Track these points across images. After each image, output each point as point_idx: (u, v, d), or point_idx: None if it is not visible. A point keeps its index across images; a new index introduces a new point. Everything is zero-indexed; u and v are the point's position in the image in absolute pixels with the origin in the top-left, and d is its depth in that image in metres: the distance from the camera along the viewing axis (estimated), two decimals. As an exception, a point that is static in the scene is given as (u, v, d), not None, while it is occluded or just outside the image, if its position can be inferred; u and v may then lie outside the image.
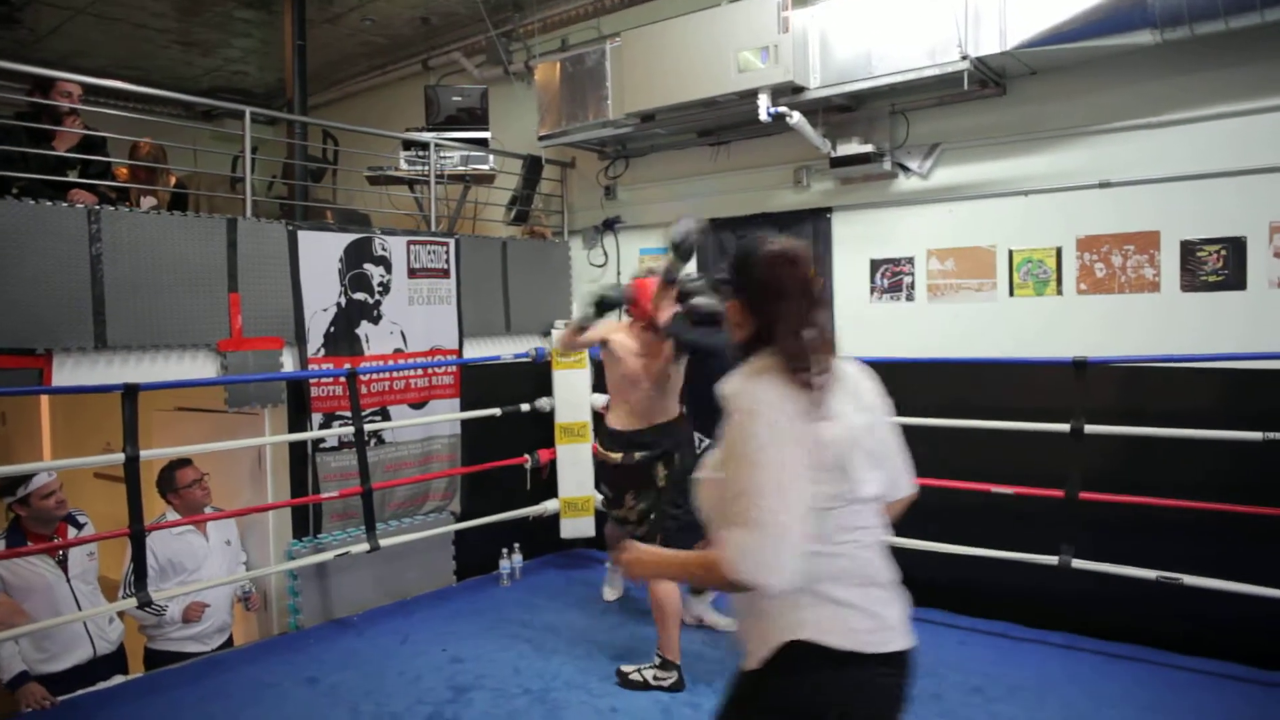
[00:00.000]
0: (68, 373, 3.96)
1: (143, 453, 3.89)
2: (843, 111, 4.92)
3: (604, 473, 4.16)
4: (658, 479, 3.98)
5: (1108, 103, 4.28)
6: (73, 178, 4.60)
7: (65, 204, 4.04)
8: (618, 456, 4.01)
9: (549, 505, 5.65)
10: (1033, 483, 4.18)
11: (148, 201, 4.89)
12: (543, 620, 4.68)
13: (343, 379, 4.74)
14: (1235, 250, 4.00)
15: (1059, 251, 4.46)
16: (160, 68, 7.86)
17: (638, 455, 3.97)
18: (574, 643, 4.32)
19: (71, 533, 4.09)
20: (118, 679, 4.13)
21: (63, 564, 4.02)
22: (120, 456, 3.82)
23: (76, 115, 4.54)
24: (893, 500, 1.91)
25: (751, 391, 1.65)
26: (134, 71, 7.82)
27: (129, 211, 4.30)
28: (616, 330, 4.10)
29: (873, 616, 1.71)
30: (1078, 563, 4.03)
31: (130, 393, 3.81)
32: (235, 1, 6.56)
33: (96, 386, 3.91)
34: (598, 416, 4.62)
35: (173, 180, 5.37)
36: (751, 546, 1.54)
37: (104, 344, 4.03)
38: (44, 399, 6.70)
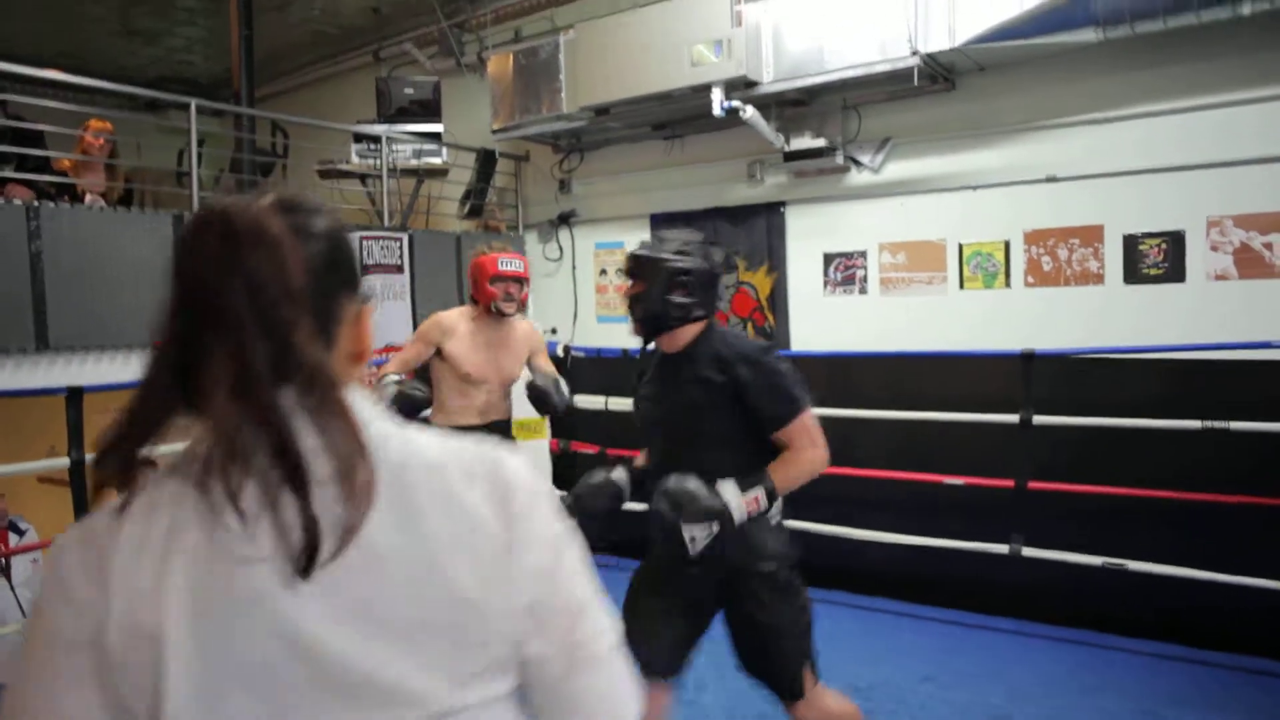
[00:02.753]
0: (8, 375, 3.86)
1: (89, 457, 3.80)
2: (796, 105, 4.95)
3: None
4: None
5: (1054, 99, 4.36)
6: (9, 172, 4.48)
7: (1, 200, 3.93)
8: None
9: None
10: (984, 473, 4.27)
11: (91, 198, 4.77)
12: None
13: (295, 377, 4.67)
14: (1175, 244, 4.10)
15: (1007, 245, 4.54)
16: (102, 57, 7.66)
17: None
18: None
19: (14, 540, 4.00)
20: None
21: (5, 572, 3.93)
22: (65, 461, 3.74)
23: (3, 107, 4.40)
24: None
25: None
26: (74, 60, 7.59)
27: (69, 208, 4.20)
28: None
29: None
30: (1027, 550, 4.12)
31: (74, 395, 3.73)
32: (179, -11, 6.42)
33: (38, 390, 3.82)
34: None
35: (121, 178, 5.24)
36: None
37: (45, 345, 3.93)
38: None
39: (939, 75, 4.51)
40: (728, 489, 2.27)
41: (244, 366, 0.77)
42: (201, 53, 7.77)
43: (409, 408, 3.50)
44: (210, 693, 0.75)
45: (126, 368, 4.22)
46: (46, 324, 3.92)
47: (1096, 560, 3.96)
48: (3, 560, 3.92)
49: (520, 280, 3.63)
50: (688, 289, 2.39)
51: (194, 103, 4.61)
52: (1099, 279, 4.31)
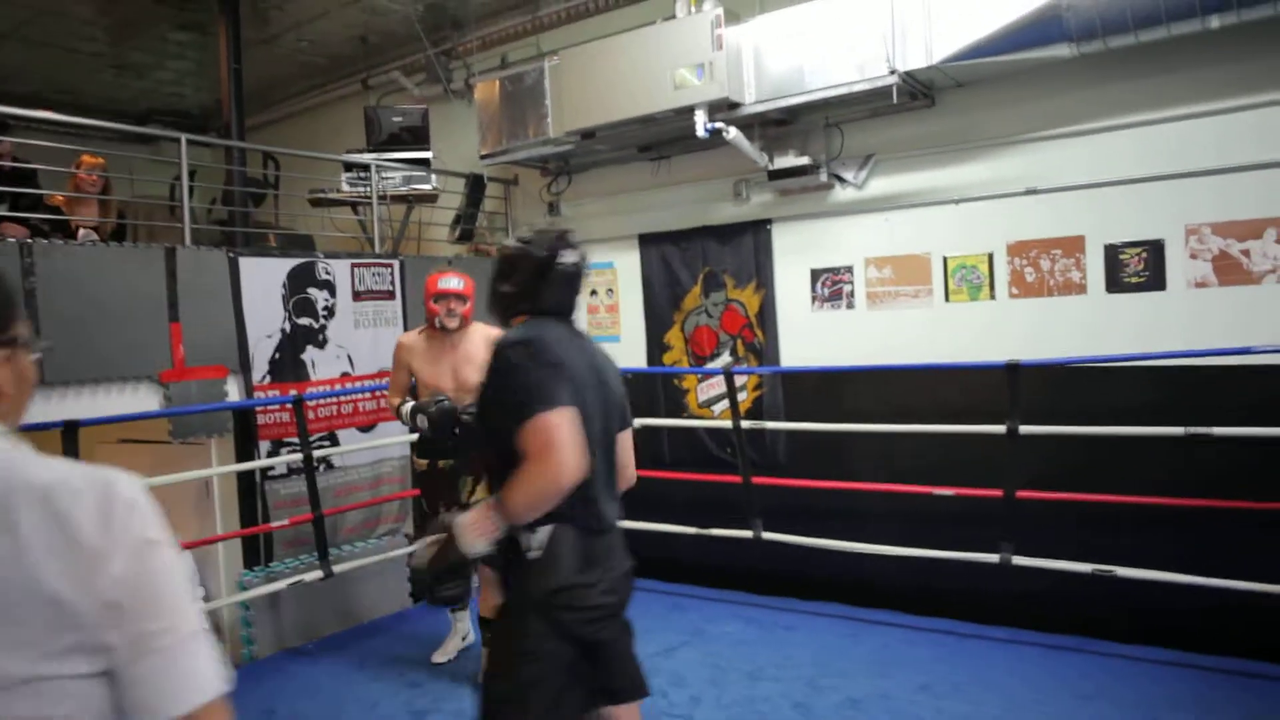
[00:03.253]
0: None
1: (85, 489, 3.83)
2: (779, 125, 5.03)
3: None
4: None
5: (1032, 112, 4.43)
6: (3, 211, 4.54)
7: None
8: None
9: (503, 522, 5.65)
10: (973, 483, 4.31)
11: (84, 233, 4.82)
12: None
13: (289, 405, 4.72)
14: (1155, 252, 4.16)
15: (990, 257, 4.60)
16: (94, 91, 7.74)
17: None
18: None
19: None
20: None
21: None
22: (62, 494, 3.76)
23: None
24: None
25: None
26: (66, 95, 7.69)
27: (63, 244, 4.25)
28: None
29: None
30: (1017, 559, 4.15)
31: (70, 429, 3.76)
32: (168, 24, 6.50)
33: (34, 425, 3.85)
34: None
35: (114, 213, 5.30)
36: None
37: (41, 380, 3.97)
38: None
39: (918, 92, 4.58)
40: (459, 519, 2.08)
41: None
42: (192, 85, 7.84)
43: (449, 420, 3.78)
44: None
45: (122, 399, 4.26)
46: (42, 359, 3.95)
47: (1086, 567, 3.99)
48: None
49: (460, 296, 3.99)
50: (510, 279, 2.29)
51: (184, 138, 4.66)
52: (1081, 289, 4.37)
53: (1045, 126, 4.41)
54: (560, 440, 1.99)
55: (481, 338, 4.00)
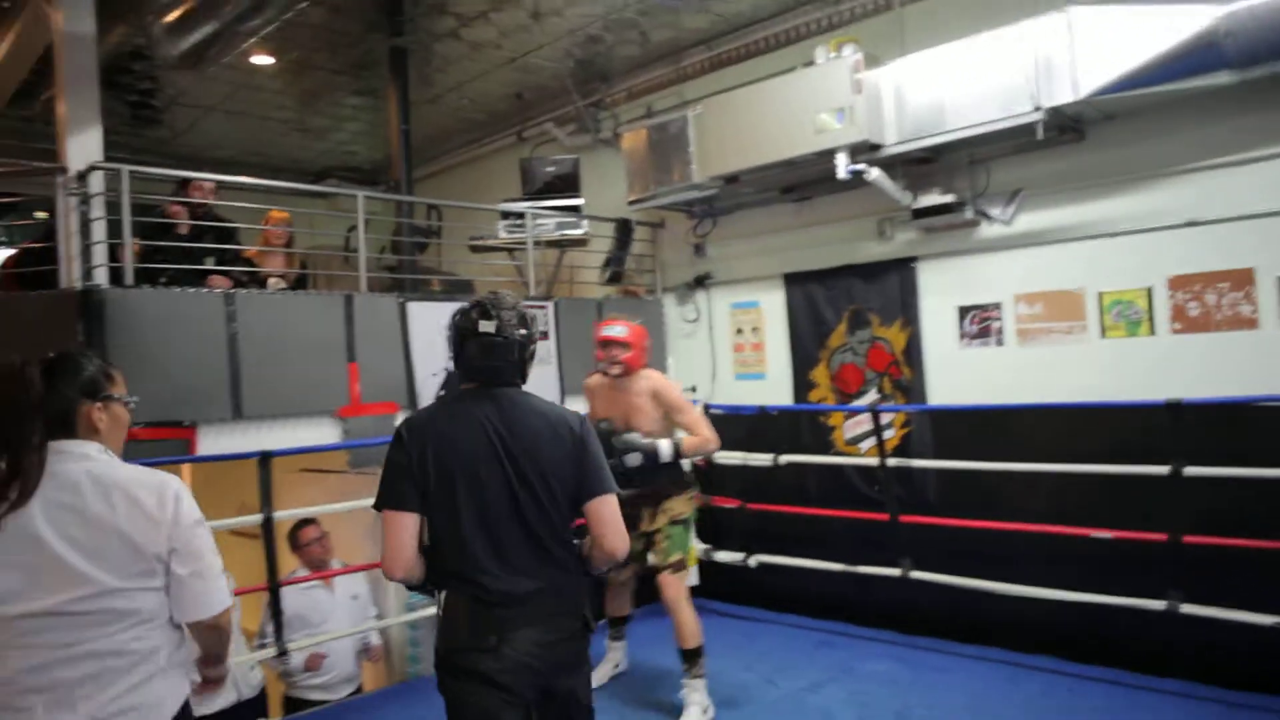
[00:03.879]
0: (210, 441, 4.36)
1: (276, 513, 4.23)
2: (922, 163, 5.03)
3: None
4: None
5: (1191, 141, 4.28)
6: (209, 264, 5.09)
7: (205, 290, 4.48)
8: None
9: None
10: (1133, 527, 4.14)
11: (274, 282, 5.34)
12: (649, 664, 4.81)
13: (452, 440, 5.03)
14: (1334, 284, 3.93)
15: (1149, 292, 4.44)
16: (280, 153, 8.54)
17: None
18: (669, 682, 4.44)
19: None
20: (258, 723, 4.47)
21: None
22: (258, 517, 4.17)
23: (201, 205, 5.01)
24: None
25: None
26: (257, 158, 8.52)
27: (259, 293, 4.73)
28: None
29: None
30: (1186, 608, 3.96)
31: (265, 459, 4.17)
32: (345, 90, 7.12)
33: (237, 454, 4.29)
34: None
35: (297, 263, 5.85)
36: None
37: (240, 415, 4.42)
38: (186, 466, 7.25)
39: (1066, 127, 4.51)
40: None
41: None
42: (364, 144, 8.52)
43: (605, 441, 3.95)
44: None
45: (307, 433, 4.68)
46: (241, 397, 4.41)
47: (1267, 619, 3.76)
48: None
49: (622, 344, 4.11)
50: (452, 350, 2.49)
51: (361, 194, 5.12)
52: (1251, 323, 4.16)
53: (1205, 156, 4.25)
54: (386, 541, 2.26)
55: (647, 384, 4.14)
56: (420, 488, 2.26)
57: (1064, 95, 4.15)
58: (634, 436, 4.01)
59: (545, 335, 5.74)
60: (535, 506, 2.28)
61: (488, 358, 2.36)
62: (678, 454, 4.01)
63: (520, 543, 2.27)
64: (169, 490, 1.92)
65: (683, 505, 4.19)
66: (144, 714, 1.86)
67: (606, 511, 2.32)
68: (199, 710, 2.18)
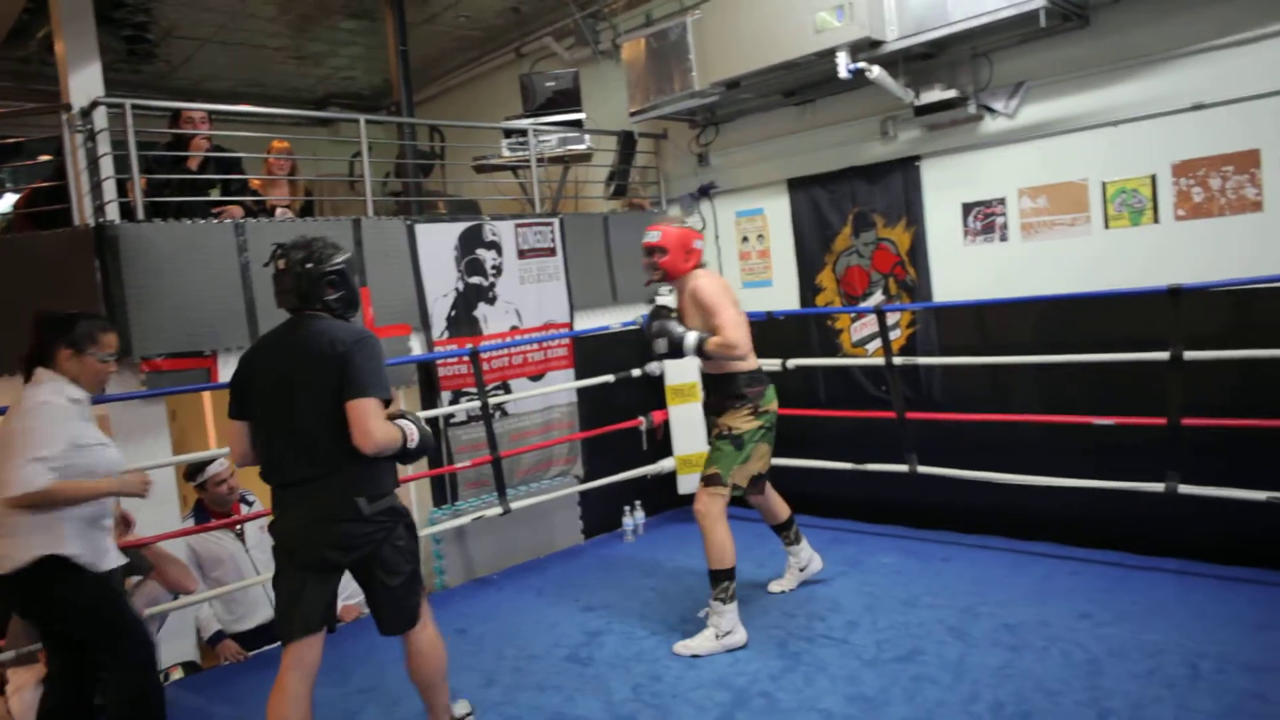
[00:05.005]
0: (230, 369, 4.46)
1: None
2: (924, 59, 4.97)
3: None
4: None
5: (1196, 22, 4.20)
6: (215, 195, 5.14)
7: (215, 220, 4.55)
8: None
9: (666, 464, 5.95)
10: (1135, 413, 4.21)
11: (281, 211, 5.39)
12: (665, 570, 5.01)
13: (466, 358, 5.15)
14: (1338, 163, 3.90)
15: (1154, 179, 4.42)
16: (278, 81, 8.47)
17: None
18: (694, 589, 4.62)
19: (244, 511, 4.65)
20: (295, 636, 4.69)
21: (241, 537, 4.58)
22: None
23: (202, 137, 5.04)
24: None
25: None
26: (256, 88, 8.47)
27: (268, 222, 4.79)
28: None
29: None
30: (1184, 488, 4.06)
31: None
32: (341, 14, 7.03)
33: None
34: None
35: (301, 188, 5.89)
36: None
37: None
38: (206, 397, 7.43)
39: (1071, 13, 4.42)
40: None
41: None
42: (362, 68, 8.43)
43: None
44: None
45: (324, 358, 4.78)
46: (257, 324, 4.51)
47: (1261, 495, 3.86)
48: (239, 527, 4.57)
49: (656, 248, 4.00)
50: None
51: (363, 119, 5.12)
52: (1256, 206, 4.15)
53: (1212, 36, 4.17)
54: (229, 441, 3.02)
55: (691, 285, 3.96)
56: (243, 400, 2.91)
57: (1065, -20, 4.07)
58: (666, 324, 3.91)
59: (552, 251, 5.79)
60: (310, 410, 2.77)
61: (279, 288, 2.94)
62: (701, 351, 3.82)
63: (298, 439, 2.78)
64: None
65: (737, 420, 3.90)
66: None
67: (354, 413, 2.71)
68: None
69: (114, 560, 3.09)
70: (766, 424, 3.96)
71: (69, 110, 4.36)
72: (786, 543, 4.42)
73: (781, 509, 4.34)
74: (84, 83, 4.50)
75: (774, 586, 4.45)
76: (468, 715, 3.38)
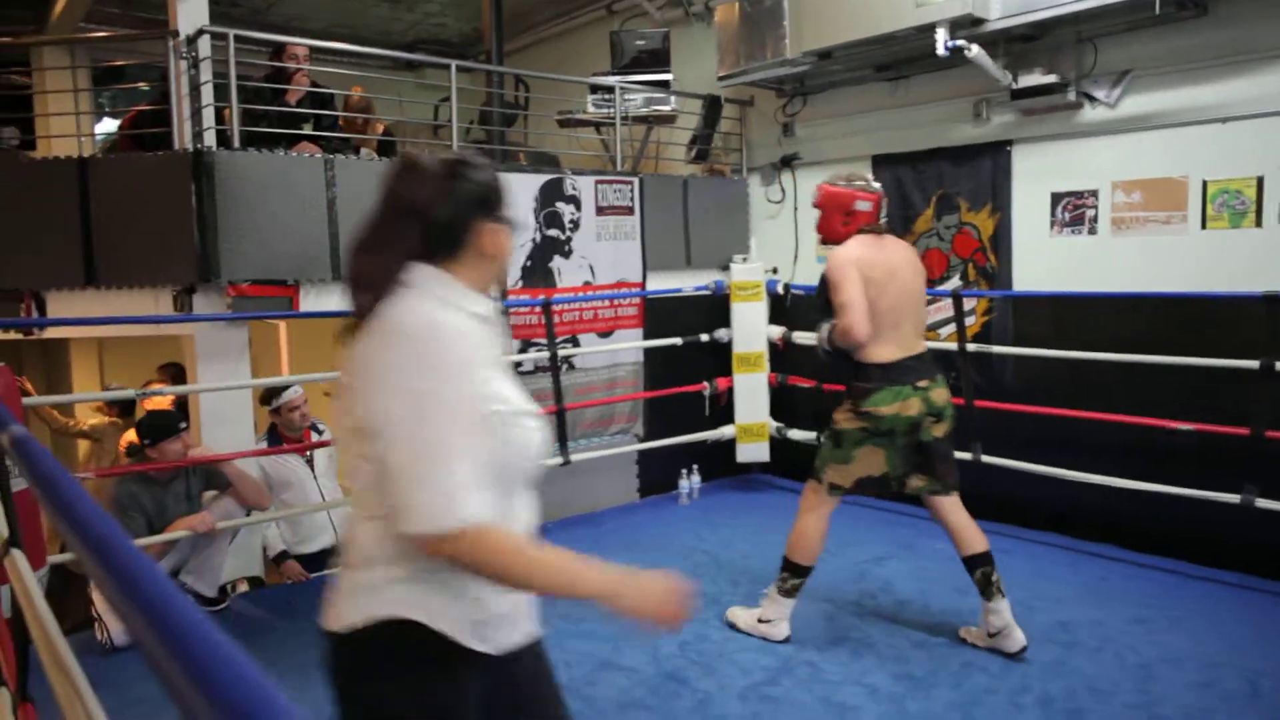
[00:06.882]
0: (311, 301, 4.61)
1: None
2: (1025, 41, 4.83)
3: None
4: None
5: (1323, 20, 4.02)
6: (307, 130, 5.25)
7: (303, 154, 4.65)
8: None
9: (726, 431, 5.97)
10: (1217, 421, 4.10)
11: (365, 151, 5.49)
12: (719, 535, 5.04)
13: (538, 309, 5.21)
14: None
15: (1260, 181, 4.26)
16: (369, 25, 8.56)
17: None
18: (748, 556, 4.66)
19: (314, 438, 4.80)
20: (354, 563, 4.84)
21: (310, 464, 4.74)
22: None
23: (304, 74, 5.15)
24: None
25: None
26: (346, 30, 8.57)
27: (355, 159, 4.88)
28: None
29: None
30: (1262, 502, 3.95)
31: (363, 319, 4.40)
32: (437, -42, 7.07)
33: (338, 312, 4.52)
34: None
35: (380, 128, 5.98)
36: None
37: (339, 276, 4.64)
38: (281, 327, 7.64)
39: (1188, 1, 4.26)
40: None
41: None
42: (453, 14, 8.48)
43: None
44: None
45: (401, 298, 4.88)
46: (338, 259, 4.62)
47: (1341, 515, 3.75)
48: (309, 453, 4.72)
49: (816, 207, 3.55)
50: None
51: (454, 64, 5.17)
52: (1368, 217, 3.98)
53: (1339, 36, 3.99)
54: None
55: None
56: None
57: (1186, -34, 3.92)
58: (823, 322, 3.47)
59: (630, 210, 5.80)
60: None
61: None
62: (832, 342, 3.42)
63: None
64: None
65: (839, 415, 3.49)
66: None
67: None
68: None
69: None
70: (870, 427, 3.37)
71: (176, 37, 4.48)
72: (980, 591, 3.50)
73: (967, 539, 3.50)
74: (191, 11, 4.60)
75: (962, 633, 3.67)
76: None
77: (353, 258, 1.55)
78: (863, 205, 3.44)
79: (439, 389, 1.37)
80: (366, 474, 1.44)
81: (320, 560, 4.65)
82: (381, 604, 1.42)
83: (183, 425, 4.01)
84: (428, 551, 1.37)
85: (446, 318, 1.43)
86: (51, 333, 5.25)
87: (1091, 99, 4.75)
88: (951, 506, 3.54)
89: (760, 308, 5.88)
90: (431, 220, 1.49)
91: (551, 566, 1.43)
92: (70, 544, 0.88)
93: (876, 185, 3.52)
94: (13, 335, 4.78)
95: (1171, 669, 3.34)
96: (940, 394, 3.43)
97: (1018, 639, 3.43)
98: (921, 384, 3.37)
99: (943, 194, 5.45)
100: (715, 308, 6.01)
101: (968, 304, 5.20)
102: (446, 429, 1.36)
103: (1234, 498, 4.02)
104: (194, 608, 0.63)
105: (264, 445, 4.63)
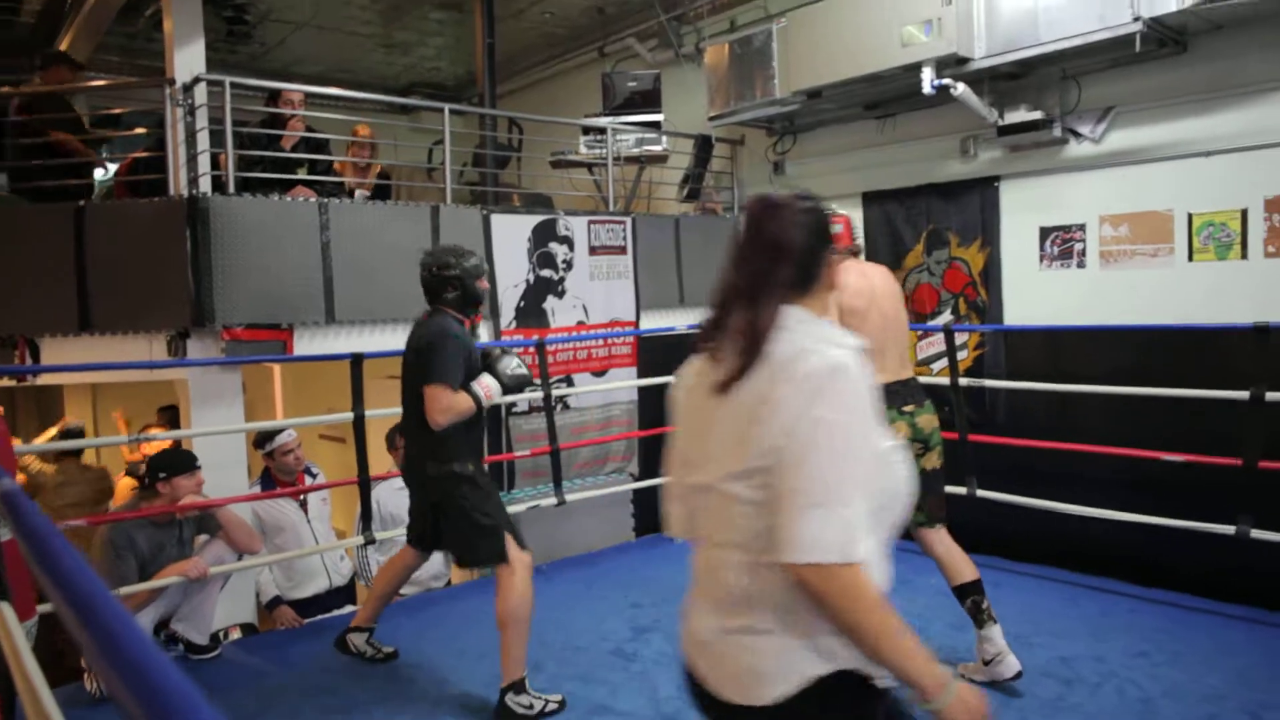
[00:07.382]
0: (305, 344, 4.63)
1: (366, 412, 4.48)
2: (1010, 79, 4.91)
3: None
4: None
5: (1301, 56, 4.09)
6: (301, 174, 5.30)
7: (301, 199, 4.69)
8: None
9: (720, 468, 5.94)
10: (1210, 451, 4.11)
11: (359, 193, 5.54)
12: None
13: (532, 349, 5.21)
14: None
15: (1244, 214, 4.31)
16: (366, 68, 8.68)
17: None
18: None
19: (308, 482, 4.78)
20: (349, 607, 4.80)
21: (303, 507, 4.71)
22: (349, 415, 4.43)
23: (300, 119, 5.20)
24: None
25: None
26: (345, 74, 8.69)
27: (350, 203, 4.92)
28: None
29: None
30: (1257, 533, 3.94)
31: (357, 360, 4.40)
32: (431, 4, 7.18)
33: (331, 355, 4.54)
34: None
35: (377, 169, 6.04)
36: None
37: (333, 319, 4.67)
38: (276, 371, 7.64)
39: (1167, 39, 4.34)
40: None
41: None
42: (448, 58, 8.60)
43: None
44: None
45: (394, 338, 4.90)
46: (334, 301, 4.65)
47: (1338, 546, 3.73)
48: (302, 497, 4.70)
49: None
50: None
51: (447, 108, 5.23)
52: (1351, 248, 4.02)
53: (1317, 71, 4.06)
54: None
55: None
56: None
57: (1167, 3, 3.99)
58: None
59: (623, 249, 5.84)
60: (408, 391, 3.38)
61: (423, 289, 3.47)
62: None
63: (406, 413, 3.44)
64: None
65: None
66: None
67: (425, 396, 3.23)
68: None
69: None
70: None
71: (173, 84, 4.53)
72: (972, 619, 3.47)
73: (956, 568, 3.49)
74: (188, 59, 4.67)
75: (960, 669, 3.58)
76: (523, 686, 3.31)
77: (727, 301, 1.56)
78: (833, 229, 3.40)
79: (850, 421, 1.34)
80: (742, 516, 1.42)
81: (314, 605, 4.61)
82: (816, 660, 1.37)
83: (198, 464, 3.97)
84: (796, 578, 1.31)
85: (842, 355, 1.40)
86: (45, 379, 5.25)
87: (1077, 134, 4.82)
88: (939, 538, 3.53)
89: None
90: (799, 258, 1.52)
91: (895, 634, 1.36)
92: (53, 602, 0.88)
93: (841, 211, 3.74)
94: (5, 381, 4.78)
95: (1173, 703, 3.30)
96: (927, 420, 3.43)
97: (1012, 665, 3.40)
98: (907, 409, 3.38)
99: (932, 229, 5.50)
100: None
101: (959, 338, 5.22)
102: (853, 463, 1.33)
103: (1229, 529, 4.01)
104: (173, 670, 0.63)
105: (258, 489, 4.61)
